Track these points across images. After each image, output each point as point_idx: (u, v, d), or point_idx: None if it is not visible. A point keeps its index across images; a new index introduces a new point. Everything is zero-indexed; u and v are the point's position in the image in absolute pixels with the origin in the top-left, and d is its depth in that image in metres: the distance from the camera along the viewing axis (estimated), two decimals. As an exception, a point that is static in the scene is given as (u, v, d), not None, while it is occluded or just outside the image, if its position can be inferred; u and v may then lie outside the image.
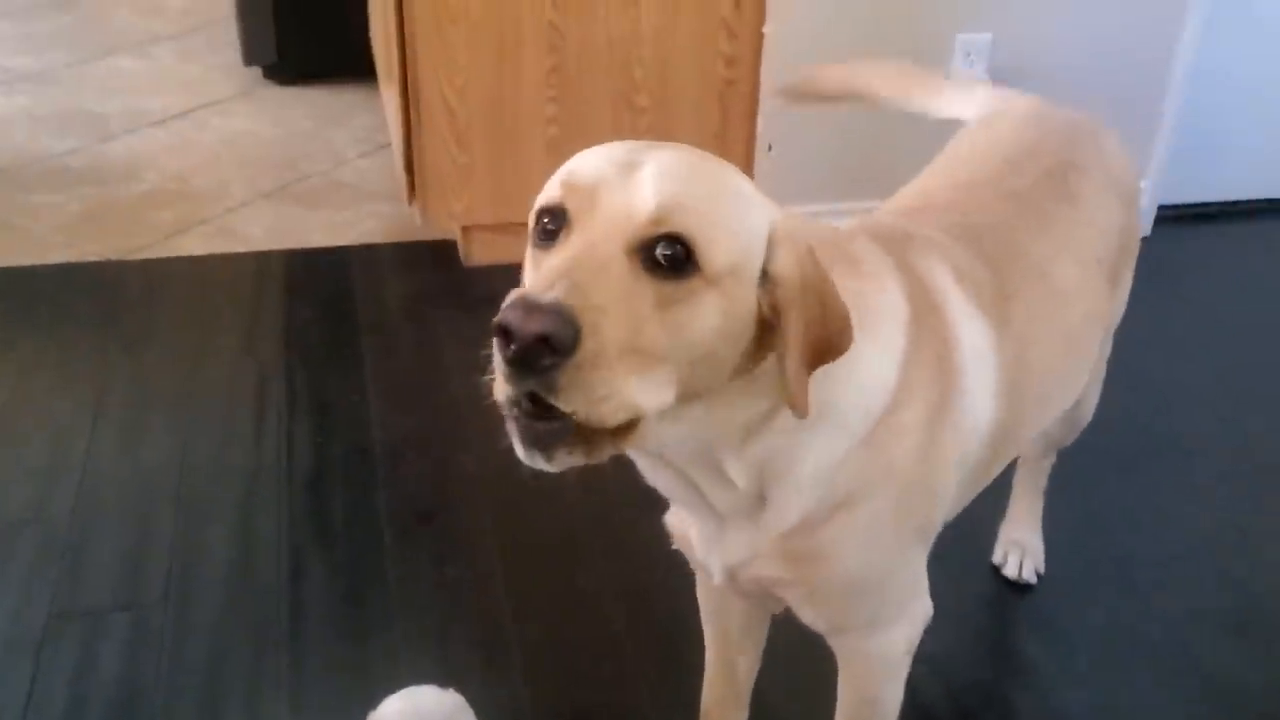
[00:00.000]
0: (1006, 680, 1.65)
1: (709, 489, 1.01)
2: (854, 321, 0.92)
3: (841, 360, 0.92)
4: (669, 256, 0.83)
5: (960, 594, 1.72)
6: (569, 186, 0.88)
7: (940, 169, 1.39)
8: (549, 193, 0.90)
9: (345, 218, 2.85)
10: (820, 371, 0.91)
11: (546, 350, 0.77)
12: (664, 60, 2.48)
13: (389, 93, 2.75)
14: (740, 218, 0.88)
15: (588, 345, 0.78)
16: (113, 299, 2.48)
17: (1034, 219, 1.26)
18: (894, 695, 1.20)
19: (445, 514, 1.90)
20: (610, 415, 0.81)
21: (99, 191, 2.93)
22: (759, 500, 1.01)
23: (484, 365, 0.87)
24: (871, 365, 0.99)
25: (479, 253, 2.61)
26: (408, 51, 2.37)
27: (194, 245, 2.69)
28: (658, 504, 1.90)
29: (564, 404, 0.79)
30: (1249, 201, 3.08)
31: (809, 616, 1.13)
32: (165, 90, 3.57)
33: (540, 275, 0.83)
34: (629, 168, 0.86)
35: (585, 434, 0.83)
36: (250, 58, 3.61)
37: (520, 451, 0.86)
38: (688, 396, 0.87)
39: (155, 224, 2.77)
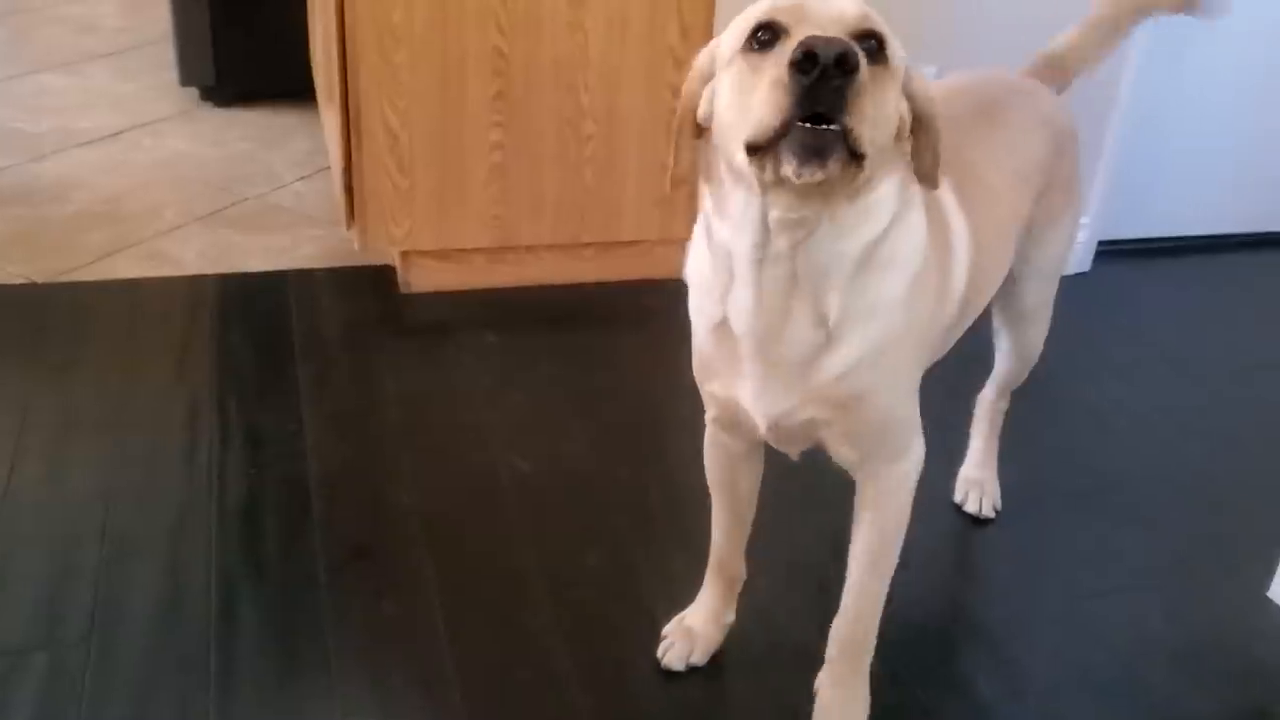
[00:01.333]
0: (952, 708, 1.63)
1: (798, 327, 1.22)
2: (909, 193, 1.23)
3: (908, 222, 1.23)
4: (870, 49, 1.08)
5: (907, 615, 1.70)
6: (777, 8, 1.10)
7: None
8: (759, 11, 1.11)
9: (282, 242, 2.78)
10: (901, 226, 1.22)
11: (841, 69, 1.00)
12: (611, 86, 2.46)
13: (329, 115, 2.70)
14: (897, 40, 1.14)
15: (861, 74, 1.02)
16: (39, 323, 2.39)
17: (969, 136, 1.49)
18: (907, 516, 1.43)
19: (382, 548, 1.84)
20: (865, 135, 1.05)
21: (28, 213, 2.84)
22: (828, 344, 1.23)
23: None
24: (918, 228, 1.25)
25: (418, 279, 2.56)
26: (349, 73, 2.33)
27: (125, 269, 2.61)
28: (602, 536, 1.87)
29: (848, 115, 1.03)
30: (1184, 238, 3.12)
31: (843, 453, 1.36)
32: (98, 110, 3.48)
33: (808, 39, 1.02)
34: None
35: (844, 152, 1.05)
36: (187, 78, 3.54)
37: (793, 166, 1.06)
38: (859, 186, 1.13)
39: (85, 246, 2.69)
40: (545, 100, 2.44)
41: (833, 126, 1.03)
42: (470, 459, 2.06)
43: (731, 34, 1.15)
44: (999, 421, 2.02)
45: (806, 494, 1.72)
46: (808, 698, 1.57)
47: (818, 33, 1.03)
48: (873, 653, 1.53)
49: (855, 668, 1.53)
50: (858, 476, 1.41)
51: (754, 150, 1.07)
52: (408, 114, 2.38)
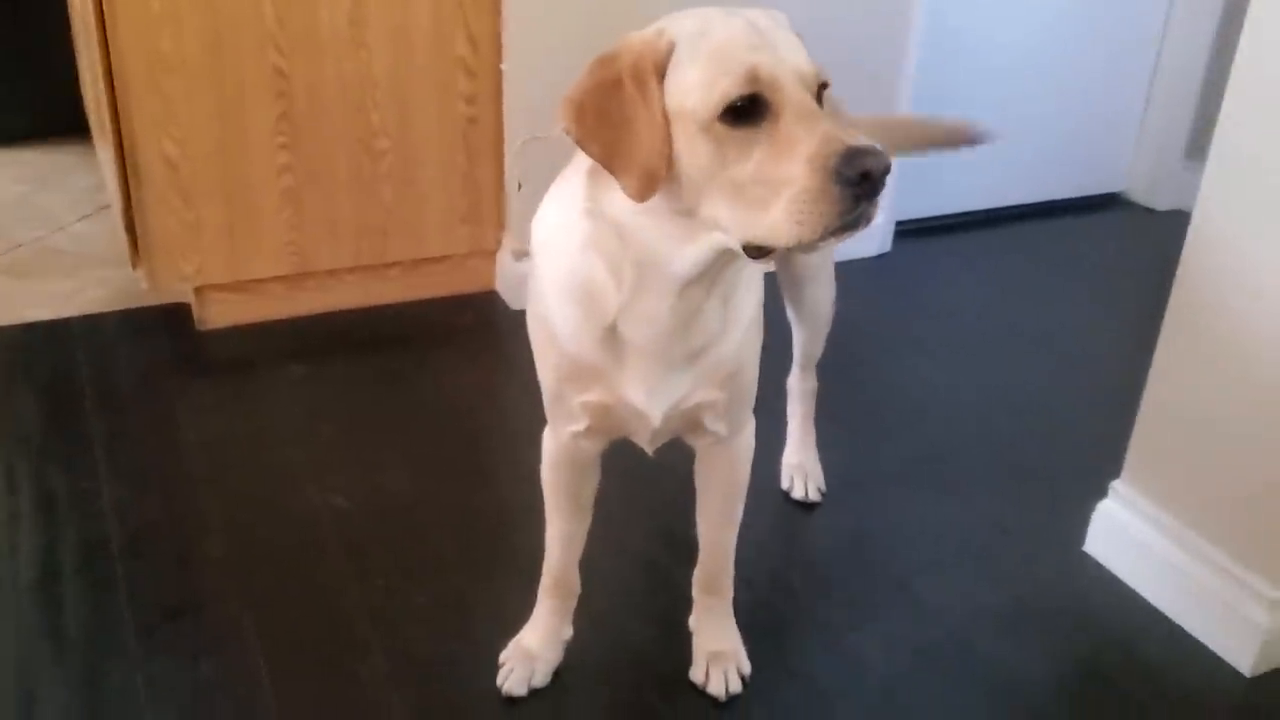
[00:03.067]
0: (793, 698, 1.63)
1: (707, 321, 1.30)
2: None
3: None
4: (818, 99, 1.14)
5: (740, 608, 1.70)
6: (752, 79, 1.10)
7: None
8: (734, 86, 1.10)
9: (65, 287, 2.62)
10: None
11: (884, 179, 1.07)
12: (401, 101, 2.39)
13: (104, 151, 2.55)
14: None
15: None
16: None
17: None
18: (749, 472, 1.56)
19: (196, 606, 1.74)
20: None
21: None
22: (718, 337, 1.33)
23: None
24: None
25: (215, 315, 2.44)
26: (119, 107, 2.20)
27: (-112, 330, 2.41)
28: (428, 567, 1.81)
29: (874, 208, 1.08)
30: (972, 212, 3.24)
31: (718, 429, 1.44)
32: None
33: (837, 133, 1.07)
34: (774, 46, 1.13)
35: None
36: (-52, 121, 3.30)
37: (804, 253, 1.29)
38: None
39: None
40: (333, 120, 2.35)
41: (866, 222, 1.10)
42: (284, 501, 1.97)
43: (698, 76, 1.12)
44: (811, 404, 2.08)
45: (624, 499, 1.71)
46: (656, 699, 1.57)
47: (804, 102, 1.10)
48: (732, 590, 1.65)
49: (723, 601, 1.66)
50: (712, 449, 1.51)
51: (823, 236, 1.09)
52: (186, 144, 2.26)
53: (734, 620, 1.67)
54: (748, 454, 1.55)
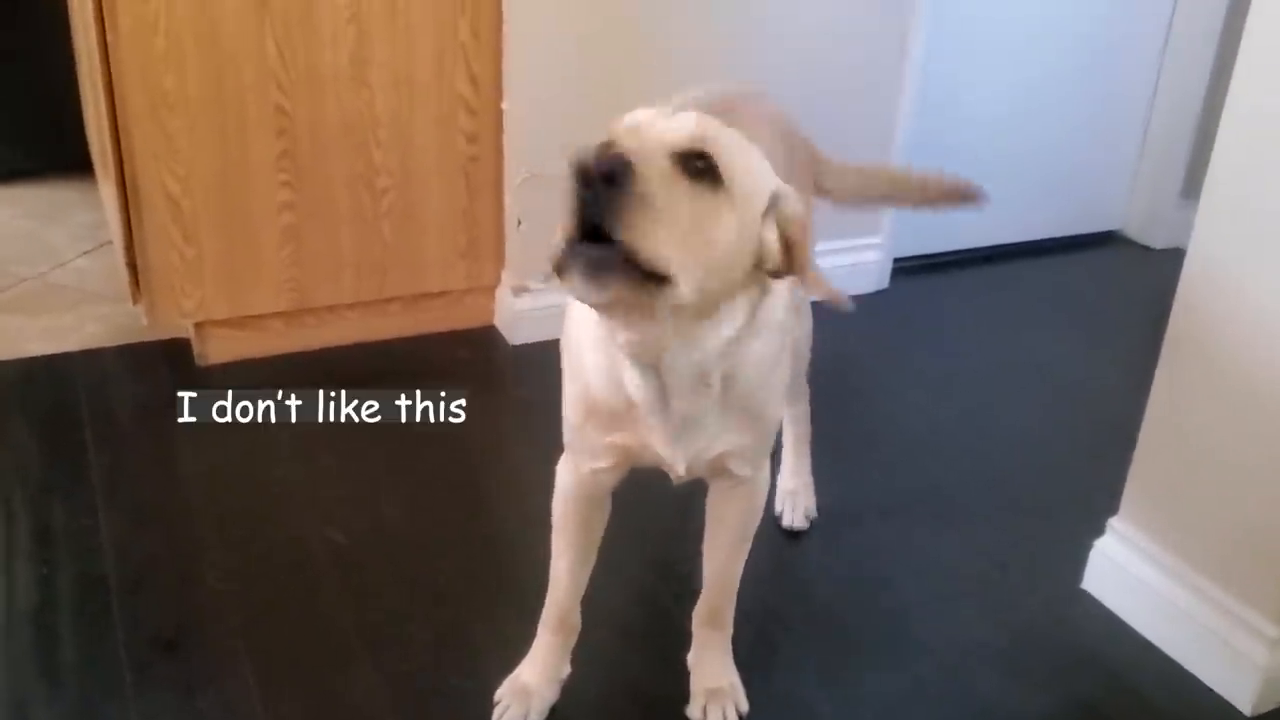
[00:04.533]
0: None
1: (695, 397, 1.27)
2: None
3: (774, 290, 1.25)
4: (701, 166, 1.08)
5: (735, 638, 1.69)
6: (615, 128, 1.12)
7: None
8: (608, 129, 1.11)
9: (66, 322, 2.62)
10: (759, 297, 1.23)
11: (610, 182, 1.00)
12: (403, 140, 2.41)
13: (107, 188, 2.57)
14: (756, 166, 1.17)
15: (638, 186, 1.01)
16: None
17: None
18: (763, 509, 1.57)
19: (192, 639, 1.73)
20: (650, 251, 1.03)
21: None
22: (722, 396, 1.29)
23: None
24: (781, 288, 1.29)
25: (215, 350, 2.45)
26: (123, 143, 2.21)
27: (-111, 365, 2.42)
28: (426, 603, 1.81)
29: (620, 227, 1.01)
30: (971, 249, 3.26)
31: (743, 471, 1.43)
32: None
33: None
34: (674, 115, 1.14)
35: (631, 271, 1.04)
36: (-48, 157, 3.32)
37: (578, 288, 1.06)
38: (704, 300, 1.13)
39: None
40: (335, 157, 2.37)
41: (612, 243, 1.02)
42: (282, 536, 1.97)
43: None
44: (804, 430, 2.08)
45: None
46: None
47: (628, 142, 1.04)
48: (732, 626, 1.64)
49: (724, 633, 1.65)
50: (738, 488, 1.50)
51: (558, 273, 1.06)
52: (189, 181, 2.28)
53: (732, 657, 1.67)
54: (765, 488, 1.55)
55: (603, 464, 1.43)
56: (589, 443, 1.41)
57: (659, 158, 1.06)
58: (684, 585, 1.67)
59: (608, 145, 1.01)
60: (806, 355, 1.97)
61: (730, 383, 1.28)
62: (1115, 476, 1.89)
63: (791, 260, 1.19)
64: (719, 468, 1.42)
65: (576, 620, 1.63)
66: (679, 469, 1.36)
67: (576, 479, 1.49)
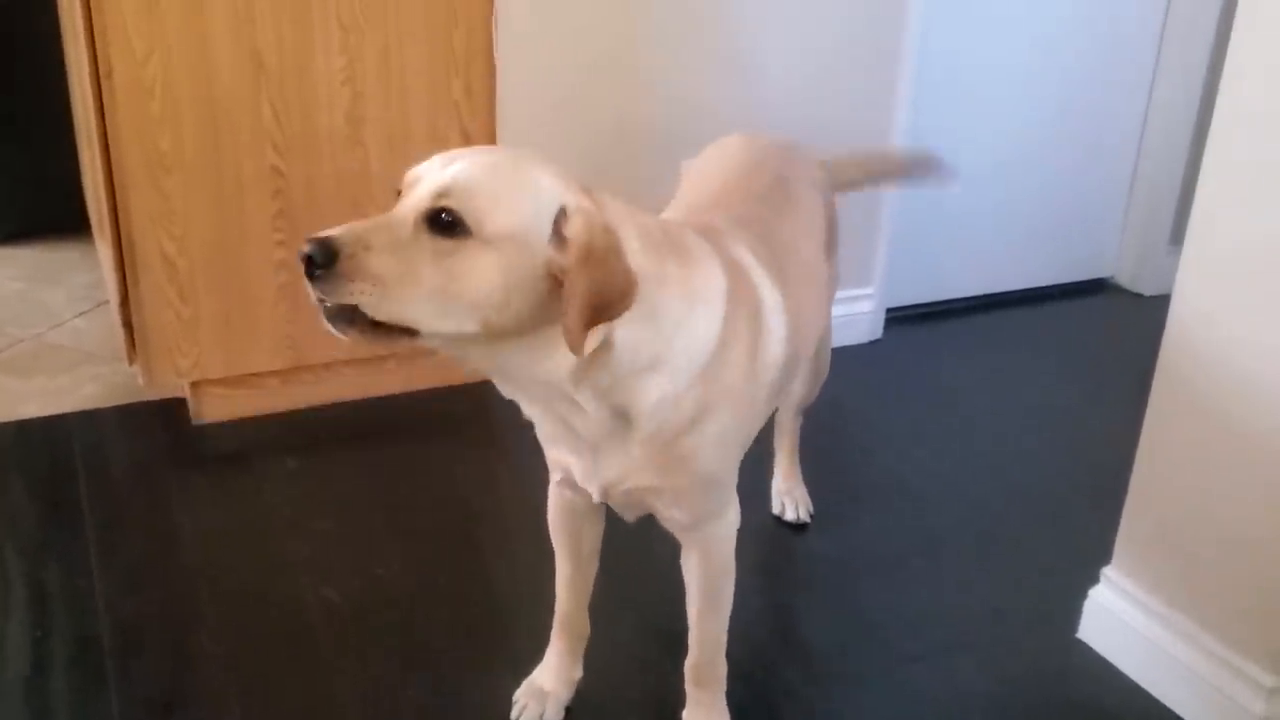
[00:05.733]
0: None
1: (572, 418, 1.32)
2: (683, 296, 1.29)
3: (672, 326, 1.28)
4: (444, 221, 1.15)
5: (729, 690, 1.69)
6: (407, 181, 1.23)
7: (689, 190, 1.75)
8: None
9: (62, 383, 2.64)
10: (648, 336, 1.26)
11: (312, 265, 1.13)
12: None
13: (103, 247, 2.59)
14: (523, 200, 1.18)
15: (344, 264, 1.12)
16: None
17: (776, 213, 1.65)
18: (733, 565, 1.55)
19: (188, 703, 1.73)
20: (386, 311, 1.15)
21: None
22: (622, 421, 1.32)
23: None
24: (697, 329, 1.31)
25: (211, 409, 2.46)
26: (119, 204, 2.24)
27: (-116, 427, 2.42)
28: (423, 660, 1.81)
29: (326, 296, 1.14)
30: (963, 299, 3.28)
31: (674, 515, 1.45)
32: None
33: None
34: (447, 163, 1.21)
35: (367, 323, 1.16)
36: (-53, 219, 3.35)
37: (326, 325, 1.18)
38: (499, 334, 1.18)
39: None
40: (330, 216, 2.34)
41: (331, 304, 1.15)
42: (278, 596, 1.97)
43: None
44: (796, 436, 2.21)
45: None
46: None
47: (384, 213, 1.19)
48: (725, 682, 1.65)
49: (714, 694, 1.65)
50: (686, 535, 1.51)
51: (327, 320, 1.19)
52: (185, 241, 2.30)
53: (727, 714, 1.66)
54: (722, 545, 1.53)
55: (558, 477, 1.53)
56: (548, 457, 1.51)
57: (401, 224, 1.16)
58: (677, 642, 1.67)
59: (316, 236, 1.14)
60: (824, 376, 2.10)
61: (632, 415, 1.31)
62: (1110, 525, 1.89)
63: (567, 289, 1.17)
64: (644, 505, 1.46)
65: (583, 626, 1.71)
66: (594, 493, 1.42)
67: (553, 491, 1.60)
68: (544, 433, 1.45)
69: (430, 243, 1.15)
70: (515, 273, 1.17)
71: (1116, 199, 3.43)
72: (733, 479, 1.50)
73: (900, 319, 3.10)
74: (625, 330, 1.25)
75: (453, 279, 1.15)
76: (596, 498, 1.43)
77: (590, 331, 1.18)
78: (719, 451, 1.42)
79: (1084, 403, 2.80)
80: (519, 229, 1.17)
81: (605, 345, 1.24)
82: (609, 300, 1.18)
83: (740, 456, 1.51)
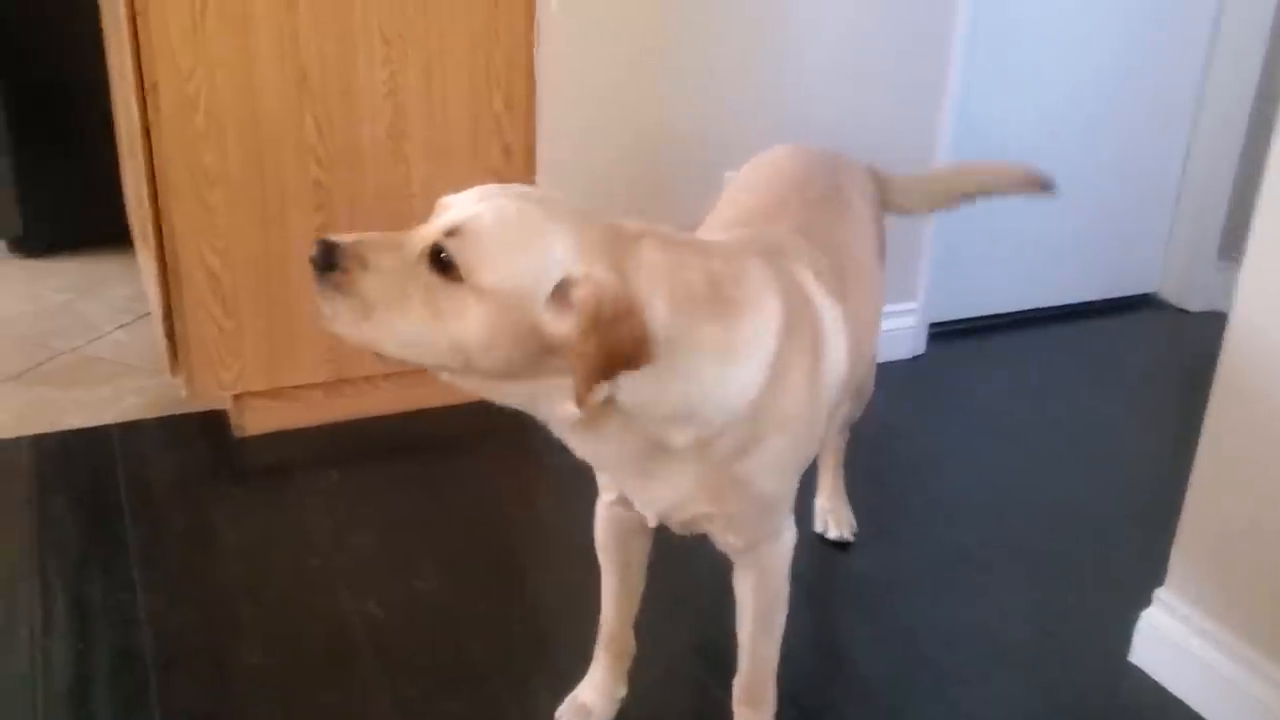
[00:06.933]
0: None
1: (601, 446, 1.30)
2: (717, 358, 1.24)
3: (700, 387, 1.24)
4: (444, 259, 1.14)
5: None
6: (443, 202, 1.23)
7: (739, 199, 1.70)
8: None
9: (103, 395, 2.65)
10: (667, 390, 1.22)
11: (320, 265, 1.17)
12: (437, 212, 2.43)
13: (146, 260, 2.60)
14: (524, 259, 1.15)
15: (337, 276, 1.17)
16: None
17: (834, 219, 1.63)
18: (788, 588, 1.53)
19: (229, 716, 1.72)
20: (343, 331, 1.20)
21: None
22: (662, 449, 1.28)
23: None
24: (730, 387, 1.26)
25: (253, 422, 2.46)
26: (162, 217, 2.25)
27: (-71, 439, 2.44)
28: (463, 677, 1.79)
29: (321, 299, 1.19)
30: (1006, 314, 3.25)
31: (729, 539, 1.43)
32: (-106, 271, 3.30)
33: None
34: (479, 200, 1.19)
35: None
36: (-8, 231, 3.38)
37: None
38: (488, 375, 1.19)
39: (-117, 418, 2.51)
40: (371, 229, 2.36)
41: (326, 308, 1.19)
42: (319, 609, 1.96)
43: None
44: (841, 453, 2.19)
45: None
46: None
47: (399, 234, 1.20)
48: (775, 705, 1.61)
49: (763, 716, 1.62)
50: (737, 558, 1.49)
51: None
52: (228, 254, 2.30)
53: None
54: (778, 566, 1.50)
55: (610, 496, 1.53)
56: (600, 478, 1.51)
57: (407, 252, 1.17)
58: (723, 661, 1.65)
59: (327, 240, 1.18)
60: (869, 393, 2.07)
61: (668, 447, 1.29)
62: (1160, 545, 1.86)
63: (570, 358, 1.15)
64: (699, 528, 1.43)
65: (628, 643, 1.70)
66: (649, 518, 1.42)
67: (600, 506, 1.58)
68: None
69: (427, 275, 1.15)
70: (502, 328, 1.15)
71: (1161, 211, 3.39)
72: (789, 501, 1.48)
73: (942, 334, 3.07)
74: (628, 393, 1.21)
75: (437, 316, 1.15)
76: (653, 523, 1.42)
77: (595, 387, 1.15)
78: (775, 474, 1.39)
79: (1130, 420, 2.76)
80: (511, 289, 1.14)
81: (609, 401, 1.21)
82: (615, 365, 1.15)
83: (798, 478, 1.48)
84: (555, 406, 1.21)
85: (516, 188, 1.23)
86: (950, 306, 3.09)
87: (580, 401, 1.15)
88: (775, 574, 1.51)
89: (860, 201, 1.76)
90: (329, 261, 1.17)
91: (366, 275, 1.16)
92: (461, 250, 1.14)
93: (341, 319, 1.18)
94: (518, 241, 1.15)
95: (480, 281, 1.14)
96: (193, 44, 2.15)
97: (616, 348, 1.14)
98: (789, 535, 1.50)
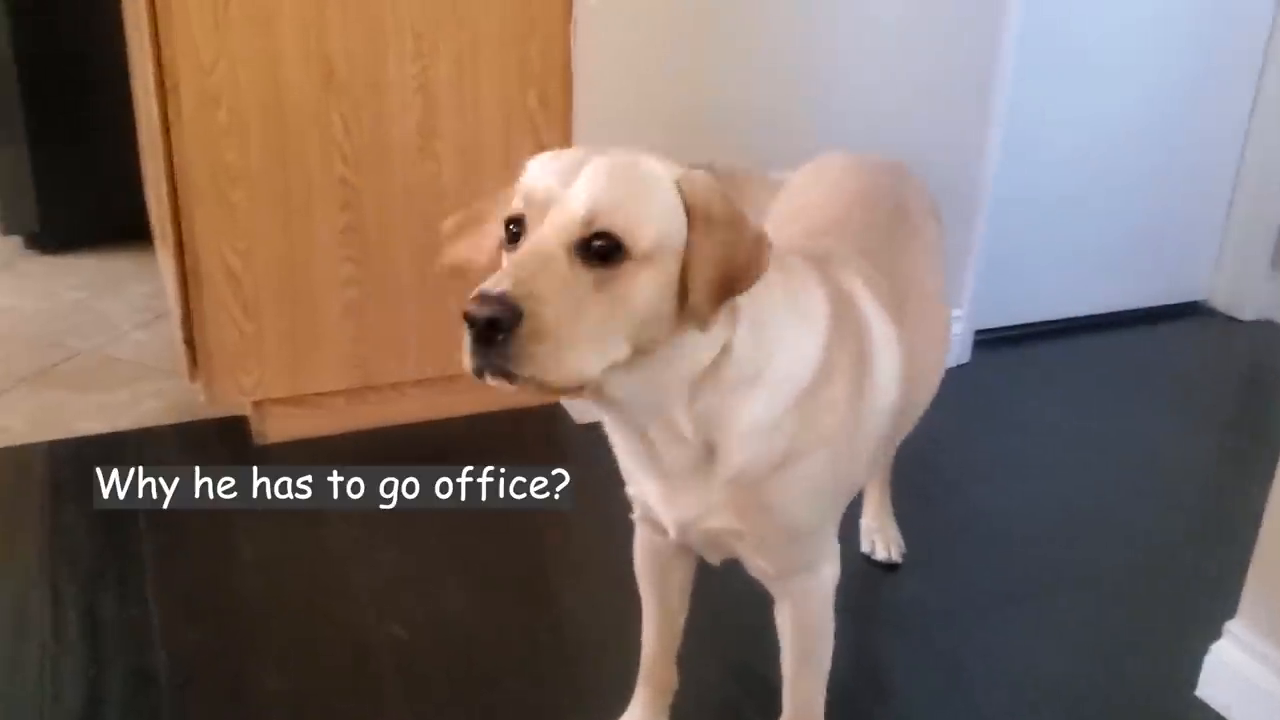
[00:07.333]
0: None
1: (663, 445, 1.21)
2: (785, 304, 1.20)
3: (774, 337, 1.19)
4: (600, 248, 1.05)
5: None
6: (528, 200, 1.10)
7: (797, 213, 1.62)
8: (514, 203, 1.12)
9: (121, 399, 2.57)
10: (753, 344, 1.17)
11: (496, 330, 1.00)
12: (467, 212, 2.34)
13: (166, 260, 2.52)
14: (658, 202, 1.09)
15: (528, 324, 1.01)
16: None
17: (899, 245, 1.54)
18: (831, 624, 1.42)
19: (247, 744, 1.64)
20: (560, 379, 1.04)
21: None
22: (708, 454, 1.22)
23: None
24: (800, 342, 1.21)
25: (274, 429, 2.38)
26: (183, 217, 2.16)
27: (-59, 443, 2.36)
28: (491, 703, 1.70)
29: (516, 369, 1.02)
30: (1051, 321, 3.14)
31: (758, 564, 1.34)
32: (-91, 266, 3.23)
33: (504, 270, 1.04)
34: (571, 175, 1.08)
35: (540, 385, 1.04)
36: (10, 226, 3.31)
37: (500, 387, 1.07)
38: (642, 350, 1.10)
39: (-105, 420, 2.44)
40: (400, 230, 2.31)
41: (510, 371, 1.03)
42: (342, 629, 1.87)
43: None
44: (889, 470, 2.07)
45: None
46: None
47: (540, 231, 1.06)
48: None
49: None
50: (772, 588, 1.40)
51: (477, 375, 1.06)
52: (250, 255, 2.22)
53: None
54: (815, 601, 1.40)
55: (638, 513, 1.43)
56: (629, 493, 1.40)
57: (555, 261, 1.04)
58: (761, 686, 1.55)
59: (491, 294, 1.00)
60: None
61: (722, 447, 1.21)
62: (1226, 573, 1.76)
63: (690, 262, 1.09)
64: (726, 548, 1.35)
65: (669, 677, 1.61)
66: (670, 529, 1.32)
67: (639, 531, 1.50)
68: (627, 465, 1.34)
69: (587, 274, 1.05)
70: (665, 282, 1.08)
71: (1213, 216, 3.27)
72: (828, 532, 1.38)
73: (988, 342, 2.97)
74: (742, 330, 1.16)
75: (614, 307, 1.06)
76: (673, 534, 1.32)
77: (717, 300, 1.09)
78: (808, 501, 1.30)
79: (1185, 437, 2.64)
80: (663, 234, 1.08)
81: (724, 350, 1.16)
82: (740, 266, 1.09)
83: (838, 510, 1.39)
84: (677, 371, 1.14)
85: (576, 152, 1.13)
86: (996, 313, 2.98)
87: (703, 314, 1.08)
88: (811, 611, 1.41)
89: (926, 222, 1.66)
90: (516, 316, 1.01)
91: (546, 308, 1.02)
92: (616, 225, 1.05)
93: (545, 368, 1.02)
94: (644, 193, 1.09)
95: (643, 246, 1.06)
96: (215, 37, 2.06)
97: (739, 243, 1.09)
98: (829, 571, 1.39)
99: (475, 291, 1.02)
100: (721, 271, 1.08)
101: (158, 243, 2.82)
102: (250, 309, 2.26)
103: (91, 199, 3.31)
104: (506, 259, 1.10)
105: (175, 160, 2.12)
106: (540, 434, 2.49)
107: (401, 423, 2.46)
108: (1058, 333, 3.12)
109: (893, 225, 1.56)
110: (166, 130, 2.11)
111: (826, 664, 1.46)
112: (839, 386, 1.26)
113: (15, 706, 1.67)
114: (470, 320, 1.02)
